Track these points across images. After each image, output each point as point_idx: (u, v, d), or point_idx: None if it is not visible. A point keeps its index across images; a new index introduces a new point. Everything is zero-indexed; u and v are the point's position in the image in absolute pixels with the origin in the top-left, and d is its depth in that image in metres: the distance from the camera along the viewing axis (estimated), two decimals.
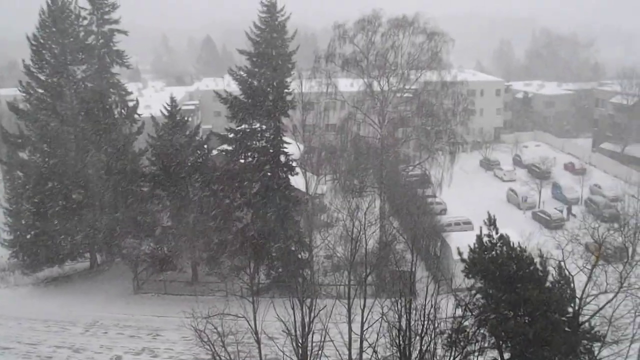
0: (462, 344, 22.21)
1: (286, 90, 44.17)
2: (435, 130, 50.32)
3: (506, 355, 22.37)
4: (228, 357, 24.08)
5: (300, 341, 23.54)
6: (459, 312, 22.58)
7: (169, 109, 45.24)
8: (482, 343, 22.49)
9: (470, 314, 22.49)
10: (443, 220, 52.41)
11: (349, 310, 25.07)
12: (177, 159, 44.24)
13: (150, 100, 72.88)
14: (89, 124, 47.25)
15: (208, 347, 24.01)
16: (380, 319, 23.27)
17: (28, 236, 47.39)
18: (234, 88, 47.87)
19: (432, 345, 22.36)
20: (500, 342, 22.13)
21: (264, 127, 44.11)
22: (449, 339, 22.33)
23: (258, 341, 25.04)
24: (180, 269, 46.24)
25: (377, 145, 50.15)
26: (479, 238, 22.50)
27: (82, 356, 36.14)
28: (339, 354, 25.06)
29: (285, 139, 44.86)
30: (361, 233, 27.21)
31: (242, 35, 46.45)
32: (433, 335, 22.29)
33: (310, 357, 23.89)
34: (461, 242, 28.31)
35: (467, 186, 65.96)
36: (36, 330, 39.91)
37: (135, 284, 46.20)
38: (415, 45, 49.29)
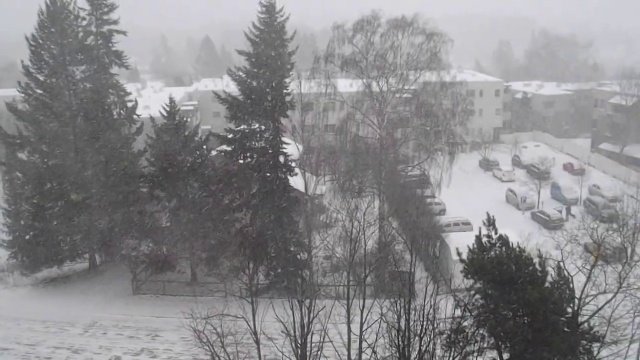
0: (461, 344, 22.20)
1: (285, 91, 44.17)
2: (434, 130, 50.34)
3: (505, 356, 22.34)
4: (227, 358, 24.07)
5: (300, 342, 23.54)
6: (458, 312, 22.56)
7: (168, 109, 45.23)
8: (481, 343, 22.46)
9: (469, 314, 22.47)
10: (442, 220, 52.46)
11: (348, 311, 25.04)
12: (176, 159, 44.20)
13: (149, 100, 72.81)
14: (87, 125, 47.23)
15: (207, 348, 24.01)
16: (379, 320, 23.26)
17: (27, 237, 47.43)
18: (233, 88, 47.87)
19: (431, 346, 22.36)
20: (500, 342, 22.11)
21: (263, 127, 44.11)
22: (448, 340, 22.31)
23: (257, 342, 25.04)
24: (179, 270, 46.27)
25: (376, 145, 50.13)
26: (478, 238, 22.48)
27: (81, 357, 36.09)
28: (338, 355, 25.03)
29: (284, 139, 44.85)
30: (360, 233, 27.18)
31: (241, 35, 46.50)
32: (432, 336, 22.29)
33: (309, 357, 23.89)
34: (460, 243, 28.28)
35: (466, 186, 66.03)
36: (35, 331, 39.86)
37: (134, 285, 46.17)
38: (415, 46, 49.30)
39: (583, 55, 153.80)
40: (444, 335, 22.50)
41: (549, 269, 22.60)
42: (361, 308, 24.40)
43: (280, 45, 45.59)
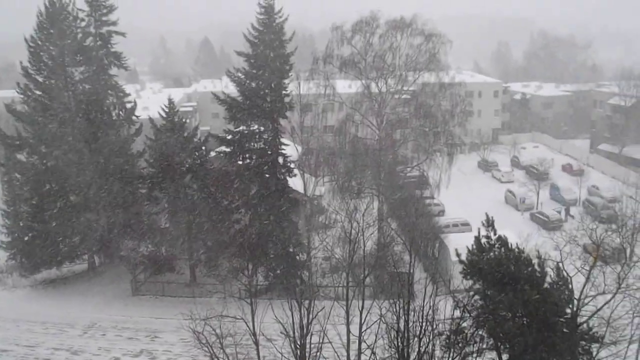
0: (460, 345, 22.20)
1: (284, 92, 44.20)
2: (433, 131, 50.40)
3: (504, 357, 22.35)
4: (226, 359, 24.06)
5: (299, 343, 23.55)
6: (457, 313, 22.57)
7: (167, 110, 45.23)
8: (481, 344, 22.46)
9: (468, 315, 22.47)
10: (441, 221, 52.50)
11: (347, 312, 25.04)
12: (175, 160, 44.21)
13: (148, 101, 72.82)
14: (86, 126, 47.15)
15: (206, 349, 24.00)
16: (378, 321, 23.26)
17: (26, 238, 47.33)
18: (232, 90, 47.86)
19: (431, 347, 22.36)
20: (499, 343, 22.11)
21: (262, 128, 44.12)
22: (447, 340, 22.32)
23: (256, 343, 25.04)
24: (179, 271, 46.25)
25: (375, 146, 50.17)
26: (477, 239, 22.50)
27: (80, 358, 36.06)
28: (337, 356, 25.04)
29: (283, 140, 44.88)
30: (359, 234, 27.19)
31: (240, 37, 46.41)
32: (431, 337, 22.29)
33: (308, 358, 23.89)
34: (459, 244, 28.26)
35: (465, 187, 66.03)
36: (34, 332, 39.81)
37: (133, 286, 46.14)
38: (413, 47, 49.38)
39: (582, 56, 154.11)
40: (443, 336, 22.50)
41: (548, 269, 22.60)
42: (360, 309, 24.39)
43: (279, 46, 45.50)
